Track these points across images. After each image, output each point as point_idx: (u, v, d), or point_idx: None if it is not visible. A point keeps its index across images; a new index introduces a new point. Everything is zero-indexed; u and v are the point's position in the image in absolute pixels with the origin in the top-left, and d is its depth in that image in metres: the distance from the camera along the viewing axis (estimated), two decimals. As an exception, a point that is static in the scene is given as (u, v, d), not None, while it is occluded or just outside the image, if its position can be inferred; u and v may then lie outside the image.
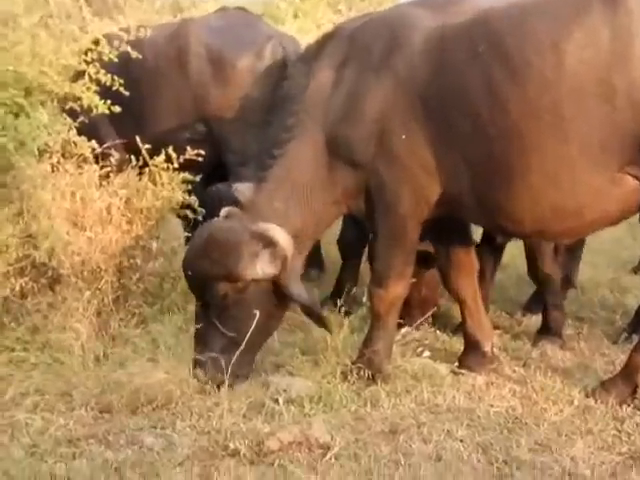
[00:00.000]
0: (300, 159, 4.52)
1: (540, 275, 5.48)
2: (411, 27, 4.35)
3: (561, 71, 3.86)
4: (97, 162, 5.59)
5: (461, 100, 4.11)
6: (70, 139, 5.51)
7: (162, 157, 5.44)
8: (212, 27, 6.22)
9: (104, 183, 5.49)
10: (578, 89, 3.84)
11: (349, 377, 4.47)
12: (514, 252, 6.38)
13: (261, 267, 4.32)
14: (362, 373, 4.49)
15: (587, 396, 4.38)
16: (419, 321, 5.33)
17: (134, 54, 5.58)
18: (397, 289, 4.56)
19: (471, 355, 4.83)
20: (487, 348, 4.84)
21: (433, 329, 5.46)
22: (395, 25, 4.46)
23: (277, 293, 4.45)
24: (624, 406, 4.26)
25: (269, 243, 4.30)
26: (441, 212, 4.45)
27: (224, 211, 4.60)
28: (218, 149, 5.94)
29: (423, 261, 5.11)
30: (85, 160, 5.55)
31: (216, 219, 4.61)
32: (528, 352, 5.15)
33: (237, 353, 4.37)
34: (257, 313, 4.38)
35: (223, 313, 4.40)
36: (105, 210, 5.32)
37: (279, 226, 4.37)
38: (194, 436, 3.86)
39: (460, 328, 5.44)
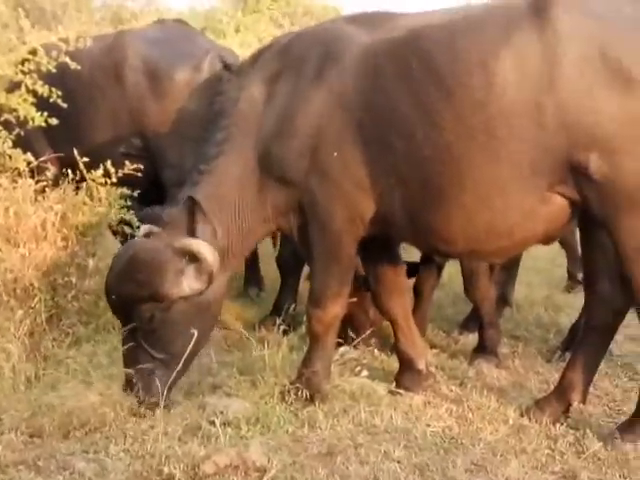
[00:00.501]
0: (228, 175, 4.48)
1: (476, 294, 5.55)
2: (345, 41, 4.35)
3: (492, 91, 3.89)
4: (32, 176, 5.48)
5: (394, 118, 4.13)
6: (5, 152, 5.40)
7: (100, 172, 5.36)
8: (149, 39, 6.17)
9: (39, 198, 5.38)
10: (509, 109, 3.88)
11: (287, 398, 4.44)
12: (452, 271, 6.46)
13: (187, 284, 4.25)
14: (300, 393, 4.45)
15: (522, 415, 4.43)
16: (357, 340, 5.32)
17: (73, 65, 5.49)
18: (335, 309, 4.54)
19: (406, 374, 4.85)
20: (421, 366, 4.87)
21: (371, 348, 5.46)
22: (328, 39, 4.45)
23: (202, 309, 4.38)
24: (557, 425, 4.32)
25: (193, 258, 4.23)
26: (376, 230, 4.46)
27: (143, 229, 4.53)
28: (155, 163, 5.88)
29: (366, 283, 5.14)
30: (20, 174, 5.44)
31: (136, 238, 4.55)
32: (464, 371, 5.18)
33: (174, 373, 4.32)
34: (195, 332, 4.32)
35: (150, 334, 4.30)
36: (40, 226, 5.21)
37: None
38: (128, 460, 3.77)
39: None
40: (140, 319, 4.29)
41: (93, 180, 5.40)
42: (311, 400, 4.45)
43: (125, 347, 4.39)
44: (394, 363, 5.18)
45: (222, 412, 4.21)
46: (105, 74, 6.02)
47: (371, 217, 4.37)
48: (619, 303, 4.31)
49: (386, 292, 4.86)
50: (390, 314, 4.90)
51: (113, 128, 6.02)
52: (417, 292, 5.67)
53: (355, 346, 5.32)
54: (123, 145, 5.95)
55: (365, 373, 4.99)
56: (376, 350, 5.44)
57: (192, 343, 4.33)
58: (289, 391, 4.47)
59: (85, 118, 6.05)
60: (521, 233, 4.18)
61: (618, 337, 6.01)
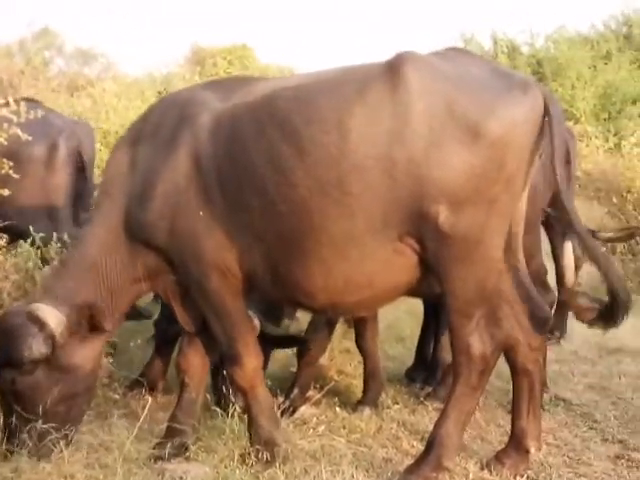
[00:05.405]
0: (95, 240, 4.61)
1: (362, 344, 5.65)
2: (199, 106, 4.45)
3: (344, 148, 4.01)
4: None
5: (250, 178, 4.22)
6: None
7: None
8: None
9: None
10: (362, 165, 4.00)
11: (247, 460, 4.39)
12: (413, 325, 6.52)
13: (37, 348, 4.34)
14: (261, 455, 4.41)
15: (482, 468, 4.44)
16: (316, 397, 5.30)
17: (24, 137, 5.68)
18: (251, 360, 4.53)
19: None
20: None
21: (332, 405, 5.45)
22: (183, 104, 4.56)
23: (69, 371, 4.45)
24: (517, 477, 4.33)
25: (40, 322, 4.35)
26: (249, 285, 4.50)
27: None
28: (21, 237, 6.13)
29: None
30: None
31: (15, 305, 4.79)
32: (426, 426, 5.18)
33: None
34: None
35: (19, 398, 4.39)
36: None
37: (70, 306, 4.41)
38: (84, 532, 3.71)
39: (359, 403, 5.49)
40: (3, 382, 4.39)
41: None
42: (272, 461, 4.41)
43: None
44: (355, 420, 5.19)
45: (181, 477, 4.18)
46: None
47: (239, 273, 4.42)
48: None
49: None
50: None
51: None
52: (360, 348, 5.69)
53: (315, 403, 5.31)
54: None
55: (326, 431, 4.96)
56: (337, 407, 5.43)
57: (67, 401, 4.45)
58: (249, 453, 4.43)
59: None
60: (381, 285, 4.26)
61: (577, 387, 6.13)
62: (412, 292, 4.59)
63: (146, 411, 4.41)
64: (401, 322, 7.48)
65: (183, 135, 4.39)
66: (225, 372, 4.65)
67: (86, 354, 4.51)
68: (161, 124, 4.53)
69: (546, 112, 4.10)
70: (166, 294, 4.71)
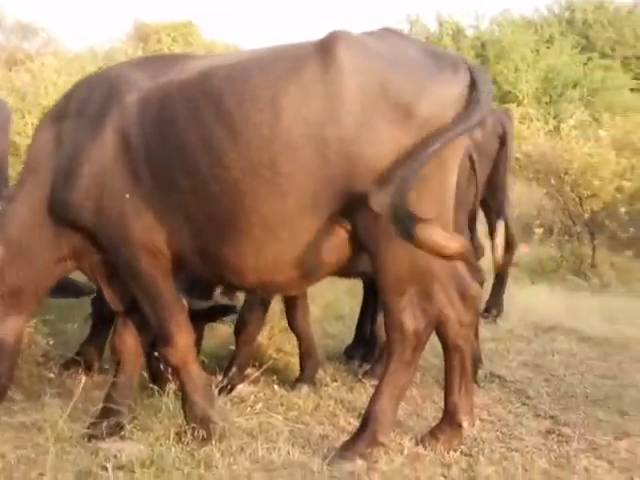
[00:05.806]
0: (17, 217, 4.55)
1: (295, 326, 5.68)
2: (128, 83, 4.39)
3: (277, 127, 3.99)
4: None
5: (182, 158, 4.17)
6: None
7: None
8: None
9: None
10: (294, 145, 3.99)
11: (183, 438, 4.37)
12: (352, 304, 6.52)
13: None
14: (197, 433, 4.41)
15: (417, 444, 4.50)
16: (255, 375, 5.31)
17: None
18: (183, 337, 4.50)
19: None
20: None
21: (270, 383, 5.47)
22: (112, 81, 4.49)
23: None
24: (451, 452, 4.40)
25: None
26: (180, 265, 4.48)
27: None
28: None
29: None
30: None
31: None
32: (363, 403, 5.22)
33: None
34: None
35: None
36: None
37: None
38: (14, 511, 3.67)
39: (298, 381, 5.52)
40: None
41: None
42: (208, 438, 4.40)
43: None
44: (293, 398, 5.21)
45: (115, 456, 4.14)
46: None
47: (168, 253, 4.39)
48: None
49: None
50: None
51: None
52: (293, 328, 5.73)
53: (254, 381, 5.31)
54: None
55: (264, 409, 4.97)
56: (275, 385, 5.45)
57: None
58: (185, 431, 4.40)
59: None
60: (310, 263, 4.27)
61: (512, 364, 6.25)
62: (343, 271, 4.61)
63: (80, 390, 4.37)
64: (340, 301, 7.54)
65: (111, 113, 4.31)
66: (157, 352, 4.62)
67: (7, 331, 4.49)
68: (88, 101, 4.44)
69: (473, 88, 4.07)
70: (93, 274, 4.65)
